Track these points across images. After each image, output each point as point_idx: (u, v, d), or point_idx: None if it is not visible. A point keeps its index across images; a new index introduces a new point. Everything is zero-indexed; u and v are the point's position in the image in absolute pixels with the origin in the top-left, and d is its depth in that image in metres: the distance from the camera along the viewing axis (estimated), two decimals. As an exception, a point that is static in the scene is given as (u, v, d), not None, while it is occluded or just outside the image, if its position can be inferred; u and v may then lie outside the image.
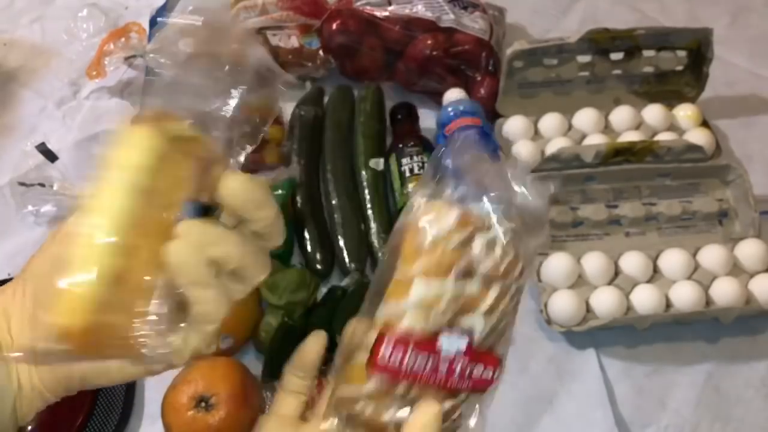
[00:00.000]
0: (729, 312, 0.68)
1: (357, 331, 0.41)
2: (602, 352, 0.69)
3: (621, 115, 0.81)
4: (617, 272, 0.71)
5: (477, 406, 0.40)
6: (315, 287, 0.68)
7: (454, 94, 0.80)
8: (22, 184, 0.74)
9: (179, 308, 0.34)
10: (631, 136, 0.78)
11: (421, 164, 0.74)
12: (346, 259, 0.71)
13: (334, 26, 0.83)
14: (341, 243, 0.72)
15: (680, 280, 0.70)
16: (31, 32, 0.97)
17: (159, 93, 0.39)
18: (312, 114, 0.82)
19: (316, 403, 0.48)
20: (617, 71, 0.82)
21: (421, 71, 0.83)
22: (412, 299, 0.36)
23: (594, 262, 0.70)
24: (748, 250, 0.71)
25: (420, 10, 0.83)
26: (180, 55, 0.42)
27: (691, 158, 0.76)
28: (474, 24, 0.83)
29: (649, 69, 0.82)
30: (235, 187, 0.34)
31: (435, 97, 0.85)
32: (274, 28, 0.86)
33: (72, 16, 0.92)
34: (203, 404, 0.58)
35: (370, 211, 0.75)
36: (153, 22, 0.94)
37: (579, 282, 0.70)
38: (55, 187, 0.74)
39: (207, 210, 0.35)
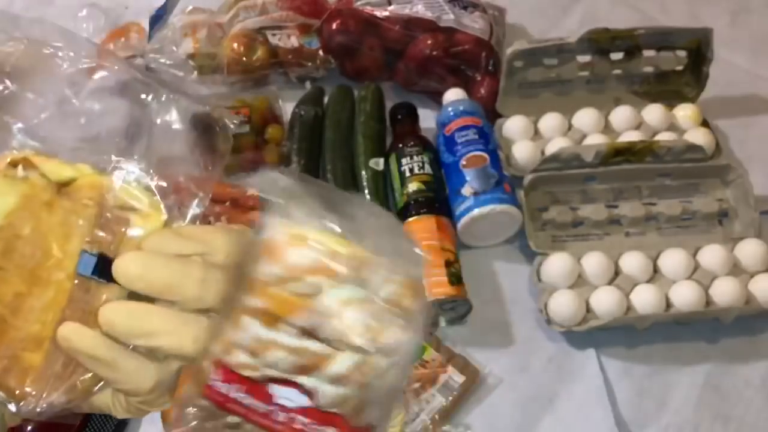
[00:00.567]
0: (729, 312, 0.68)
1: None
2: (602, 352, 0.69)
3: (621, 115, 0.81)
4: (617, 272, 0.71)
5: None
6: (315, 287, 0.68)
7: (454, 94, 0.80)
8: (21, 184, 0.74)
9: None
10: (631, 136, 0.78)
11: (421, 164, 0.74)
12: (346, 259, 0.71)
13: (334, 26, 0.83)
14: (341, 243, 0.72)
15: (680, 280, 0.70)
16: (30, 32, 0.96)
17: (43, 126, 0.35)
18: (312, 114, 0.82)
19: None
20: (617, 71, 0.82)
21: (421, 71, 0.83)
22: (243, 338, 0.29)
23: (594, 262, 0.70)
24: (748, 250, 0.71)
25: (420, 9, 0.83)
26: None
27: (691, 158, 0.76)
28: (474, 24, 0.83)
29: (649, 69, 0.82)
30: (130, 272, 0.28)
31: (435, 97, 0.85)
32: (274, 27, 0.86)
33: (72, 16, 0.92)
34: (203, 404, 0.58)
35: (370, 211, 0.75)
36: (153, 22, 0.94)
37: (579, 282, 0.70)
38: (54, 187, 0.73)
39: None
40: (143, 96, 0.36)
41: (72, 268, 0.30)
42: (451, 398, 0.64)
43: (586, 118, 0.81)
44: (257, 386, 0.29)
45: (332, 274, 0.29)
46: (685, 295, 0.68)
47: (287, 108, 0.84)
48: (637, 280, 0.70)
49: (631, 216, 0.73)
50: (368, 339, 0.29)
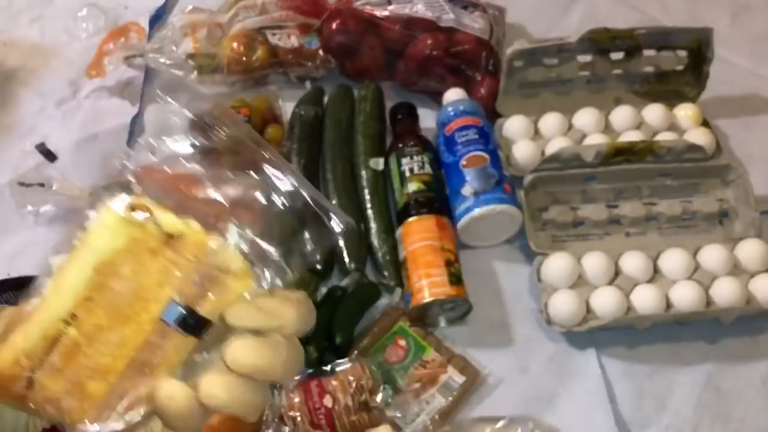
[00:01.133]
0: (729, 312, 0.68)
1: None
2: (602, 352, 0.69)
3: (621, 114, 0.81)
4: (617, 272, 0.71)
5: None
6: (315, 287, 0.68)
7: (454, 94, 0.80)
8: (21, 184, 0.74)
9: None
10: (631, 136, 0.78)
11: (421, 164, 0.74)
12: (346, 259, 0.71)
13: (334, 26, 0.83)
14: (341, 243, 0.72)
15: (680, 280, 0.70)
16: (30, 32, 0.96)
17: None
18: (312, 114, 0.82)
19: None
20: (618, 71, 0.82)
21: (421, 71, 0.83)
22: None
23: (594, 262, 0.70)
24: (748, 250, 0.71)
25: (420, 9, 0.83)
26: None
27: (691, 158, 0.76)
28: (474, 24, 0.83)
29: (649, 69, 0.82)
30: (237, 358, 0.32)
31: (435, 97, 0.85)
32: (274, 27, 0.86)
33: (71, 16, 0.92)
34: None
35: (370, 211, 0.75)
36: (152, 22, 0.94)
37: (579, 282, 0.70)
38: (54, 187, 0.74)
39: (196, 321, 0.32)
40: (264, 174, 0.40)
41: (157, 313, 0.32)
42: (451, 398, 0.63)
43: (586, 117, 0.81)
44: None
45: None
46: (685, 295, 0.68)
47: (287, 108, 0.84)
48: (638, 280, 0.70)
49: (631, 216, 0.73)
50: None
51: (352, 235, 0.73)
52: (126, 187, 0.35)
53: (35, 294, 0.32)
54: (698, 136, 0.78)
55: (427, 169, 0.74)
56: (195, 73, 0.86)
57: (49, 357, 0.31)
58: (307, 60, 0.86)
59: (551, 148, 0.78)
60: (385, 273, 0.71)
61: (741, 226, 0.74)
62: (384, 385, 0.62)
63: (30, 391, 0.32)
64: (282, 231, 0.37)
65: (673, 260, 0.70)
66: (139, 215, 0.32)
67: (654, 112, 0.81)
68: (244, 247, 0.34)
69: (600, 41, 0.79)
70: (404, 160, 0.75)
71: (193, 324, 0.32)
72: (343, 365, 0.62)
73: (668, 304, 0.68)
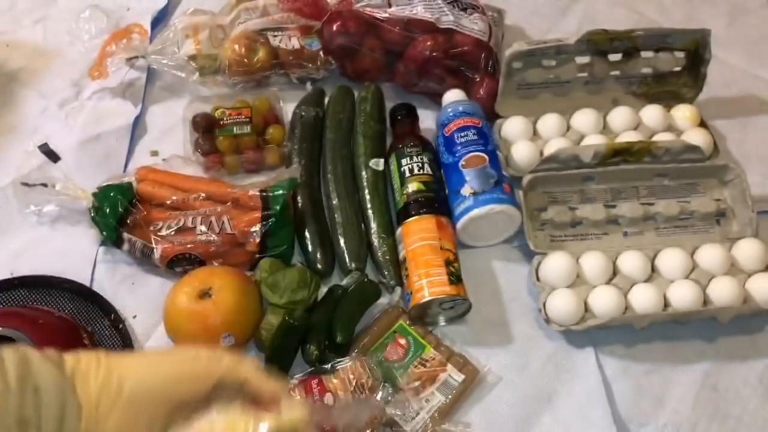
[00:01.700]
0: (726, 311, 0.68)
1: None
2: (601, 351, 0.69)
3: (619, 115, 0.82)
4: (615, 272, 0.71)
5: None
6: (316, 287, 0.68)
7: (453, 95, 0.81)
8: (24, 184, 0.75)
9: None
10: (629, 137, 0.79)
11: (420, 164, 0.75)
12: (347, 259, 0.72)
13: (335, 27, 0.84)
14: (342, 243, 0.73)
15: (678, 279, 0.70)
16: (33, 33, 0.97)
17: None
18: (312, 114, 0.83)
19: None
20: (615, 72, 0.83)
21: (420, 72, 0.84)
22: None
23: (592, 262, 0.71)
24: (745, 249, 0.72)
25: (420, 11, 0.84)
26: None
27: (689, 158, 0.76)
28: (473, 25, 0.84)
29: (647, 70, 0.83)
30: None
31: (435, 98, 0.86)
32: (275, 29, 0.86)
33: (74, 18, 0.93)
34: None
35: (370, 211, 0.75)
36: (154, 24, 0.95)
37: (577, 281, 0.71)
38: (57, 187, 0.74)
39: None
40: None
41: None
42: (450, 397, 0.64)
43: (584, 118, 0.81)
44: None
45: None
46: (682, 295, 0.68)
47: (288, 109, 0.85)
48: (636, 279, 0.70)
49: (629, 216, 0.74)
50: None
51: (352, 234, 0.73)
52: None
53: None
54: (696, 137, 0.78)
55: (427, 169, 0.75)
56: (196, 74, 0.86)
57: None
58: (307, 61, 0.86)
59: (550, 149, 0.78)
60: (385, 272, 0.72)
61: (738, 226, 0.75)
62: (384, 384, 0.63)
63: None
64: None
65: (671, 260, 0.71)
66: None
67: (652, 113, 0.81)
68: None
69: (598, 43, 0.79)
70: (404, 161, 0.76)
71: None
72: (344, 363, 0.63)
73: (666, 304, 0.69)
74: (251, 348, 0.68)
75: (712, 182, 0.77)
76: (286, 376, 0.64)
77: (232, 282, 0.65)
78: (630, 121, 0.81)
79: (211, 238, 0.69)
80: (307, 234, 0.73)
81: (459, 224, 0.72)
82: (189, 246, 0.69)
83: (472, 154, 0.74)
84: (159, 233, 0.70)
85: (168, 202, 0.73)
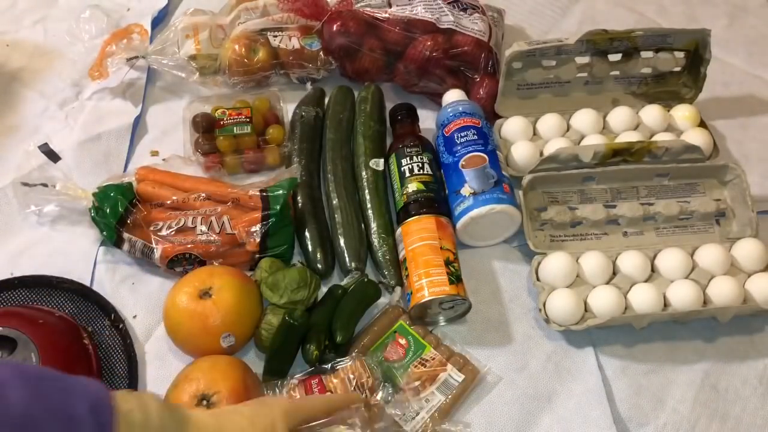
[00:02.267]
0: (726, 311, 0.68)
1: None
2: (600, 350, 0.69)
3: (619, 115, 0.82)
4: (615, 272, 0.71)
5: None
6: (316, 286, 0.68)
7: (453, 95, 0.81)
8: (25, 184, 0.75)
9: None
10: (629, 137, 0.79)
11: (420, 164, 0.75)
12: (347, 259, 0.72)
13: (335, 28, 0.84)
14: (341, 243, 0.73)
15: (678, 279, 0.70)
16: (33, 33, 0.97)
17: None
18: (312, 114, 0.83)
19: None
20: (615, 72, 0.83)
21: (420, 72, 0.84)
22: None
23: (592, 262, 0.71)
24: (745, 249, 0.72)
25: (420, 11, 0.84)
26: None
27: (688, 158, 0.76)
28: (473, 25, 0.84)
29: (647, 70, 0.83)
30: None
31: (435, 98, 0.86)
32: (275, 29, 0.86)
33: (74, 18, 0.93)
34: (205, 402, 0.59)
35: (370, 211, 0.75)
36: (155, 24, 0.95)
37: (577, 281, 0.71)
38: (57, 187, 0.74)
39: None
40: None
41: None
42: (450, 396, 0.64)
43: (584, 118, 0.81)
44: None
45: None
46: (682, 295, 0.68)
47: (288, 109, 0.85)
48: (635, 279, 0.70)
49: (629, 216, 0.74)
50: None
51: (352, 234, 0.73)
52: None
53: None
54: (695, 137, 0.79)
55: (427, 169, 0.75)
56: (197, 74, 0.86)
57: None
58: (307, 61, 0.86)
59: (549, 149, 0.78)
60: (385, 272, 0.72)
61: (738, 226, 0.75)
62: (384, 384, 0.63)
63: None
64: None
65: (671, 260, 0.71)
66: None
67: (651, 113, 0.82)
68: None
69: (598, 43, 0.79)
70: (404, 161, 0.76)
71: None
72: (344, 363, 0.63)
73: (666, 303, 0.69)
74: (251, 347, 0.69)
75: (712, 182, 0.77)
76: (286, 376, 0.64)
77: (232, 282, 0.65)
78: (630, 121, 0.81)
79: (211, 238, 0.69)
80: (307, 234, 0.73)
81: (459, 224, 0.72)
82: (189, 246, 0.69)
83: (472, 154, 0.74)
84: (159, 233, 0.70)
85: (168, 202, 0.73)
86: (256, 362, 0.67)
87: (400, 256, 0.71)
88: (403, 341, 0.67)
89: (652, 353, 0.69)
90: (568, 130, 0.82)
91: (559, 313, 0.68)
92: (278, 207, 0.70)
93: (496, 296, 0.73)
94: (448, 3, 0.85)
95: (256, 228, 0.70)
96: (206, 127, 0.80)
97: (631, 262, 0.71)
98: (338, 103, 0.84)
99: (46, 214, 0.76)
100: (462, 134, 0.76)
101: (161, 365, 0.68)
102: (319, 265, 0.72)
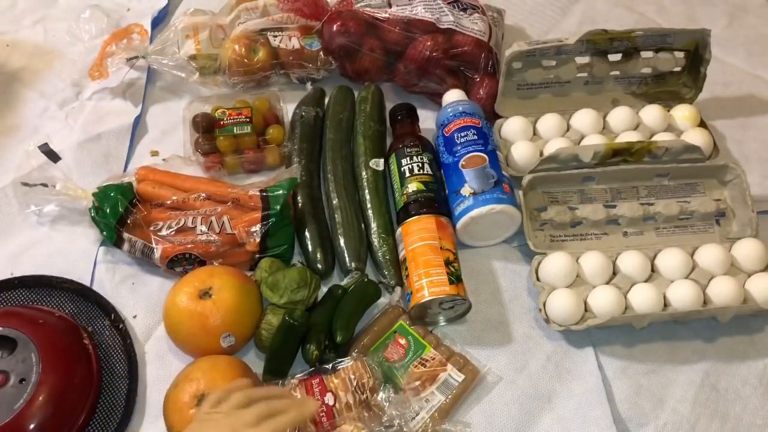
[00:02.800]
0: (726, 311, 0.68)
1: None
2: (600, 350, 0.69)
3: (619, 115, 0.82)
4: (615, 272, 0.71)
5: None
6: (316, 286, 0.68)
7: (453, 95, 0.81)
8: (25, 184, 0.75)
9: None
10: (629, 137, 0.79)
11: (420, 164, 0.75)
12: (347, 259, 0.72)
13: (335, 28, 0.84)
14: (341, 243, 0.73)
15: (678, 279, 0.70)
16: (33, 33, 0.97)
17: None
18: (312, 115, 0.83)
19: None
20: (615, 72, 0.83)
21: (420, 72, 0.84)
22: None
23: (592, 262, 0.71)
24: (745, 249, 0.72)
25: (420, 11, 0.84)
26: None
27: (688, 158, 0.76)
28: (473, 25, 0.84)
29: (647, 70, 0.83)
30: None
31: (435, 98, 0.86)
32: (275, 29, 0.86)
33: (74, 18, 0.93)
34: (205, 402, 0.59)
35: (370, 211, 0.75)
36: (155, 24, 0.95)
37: (577, 281, 0.71)
38: (57, 187, 0.74)
39: None
40: None
41: None
42: (450, 396, 0.64)
43: (584, 118, 0.81)
44: None
45: None
46: (682, 295, 0.68)
47: (288, 109, 0.85)
48: (635, 279, 0.70)
49: (629, 216, 0.74)
50: None
51: (352, 234, 0.73)
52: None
53: None
54: (695, 137, 0.79)
55: (427, 169, 0.75)
56: (197, 74, 0.86)
57: None
58: (307, 61, 0.86)
59: (549, 149, 0.78)
60: (385, 272, 0.72)
61: (738, 226, 0.75)
62: (384, 384, 0.63)
63: None
64: None
65: (671, 260, 0.71)
66: None
67: (651, 113, 0.82)
68: None
69: (598, 43, 0.79)
70: (404, 161, 0.76)
71: None
72: (344, 363, 0.63)
73: (666, 303, 0.69)
74: (251, 347, 0.69)
75: (712, 182, 0.77)
76: (286, 376, 0.64)
77: (232, 282, 0.65)
78: (630, 121, 0.81)
79: (211, 238, 0.69)
80: (307, 234, 0.73)
81: (459, 224, 0.72)
82: (189, 246, 0.69)
83: (472, 154, 0.74)
84: (159, 233, 0.70)
85: (168, 202, 0.73)
86: (256, 362, 0.67)
87: (400, 256, 0.71)
88: (403, 341, 0.67)
89: (652, 353, 0.69)
90: (568, 130, 0.82)
91: (559, 313, 0.68)
92: (278, 207, 0.70)
93: (496, 296, 0.73)
94: (448, 3, 0.85)
95: (256, 228, 0.70)
96: (206, 127, 0.80)
97: (631, 262, 0.71)
98: (338, 103, 0.84)
99: (46, 214, 0.77)
100: (462, 134, 0.76)
101: (161, 365, 0.68)
102: (319, 265, 0.72)
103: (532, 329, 0.71)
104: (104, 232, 0.72)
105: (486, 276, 0.74)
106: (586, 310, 0.69)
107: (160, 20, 0.97)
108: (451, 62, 0.83)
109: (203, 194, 0.73)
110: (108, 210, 0.71)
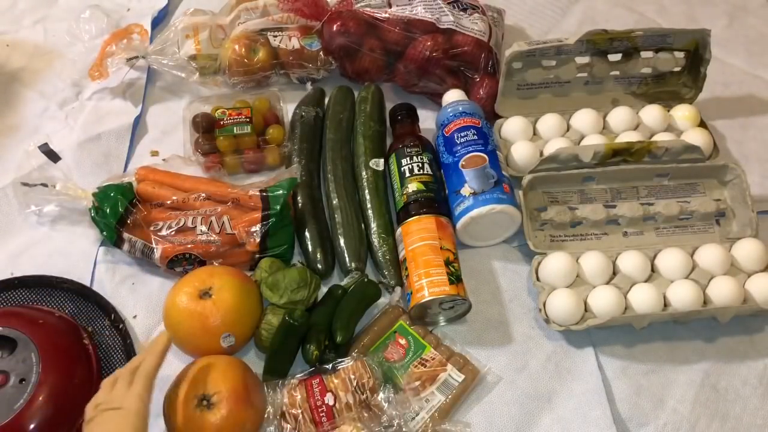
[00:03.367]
0: (726, 311, 0.68)
1: None
2: (600, 350, 0.69)
3: (619, 115, 0.82)
4: (615, 272, 0.71)
5: None
6: (316, 286, 0.68)
7: (453, 95, 0.81)
8: (25, 184, 0.75)
9: None
10: (629, 137, 0.79)
11: (420, 164, 0.75)
12: (347, 259, 0.72)
13: (335, 28, 0.84)
14: (341, 243, 0.73)
15: (678, 279, 0.70)
16: (33, 33, 0.97)
17: None
18: (312, 115, 0.83)
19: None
20: (615, 72, 0.83)
21: (420, 72, 0.84)
22: None
23: (592, 262, 0.71)
24: (745, 249, 0.72)
25: (420, 11, 0.84)
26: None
27: (688, 158, 0.76)
28: (473, 25, 0.84)
29: (647, 70, 0.83)
30: None
31: (435, 98, 0.86)
32: (275, 29, 0.86)
33: (74, 18, 0.93)
34: (205, 402, 0.59)
35: (370, 211, 0.75)
36: (155, 24, 0.95)
37: (577, 281, 0.71)
38: (57, 187, 0.74)
39: None
40: None
41: None
42: (450, 396, 0.64)
43: (584, 118, 0.81)
44: None
45: None
46: (682, 295, 0.68)
47: (288, 109, 0.85)
48: (635, 279, 0.70)
49: (629, 216, 0.74)
50: None
51: (352, 234, 0.73)
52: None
53: None
54: (695, 137, 0.79)
55: (427, 169, 0.75)
56: (197, 74, 0.86)
57: None
58: (307, 61, 0.86)
59: (549, 149, 0.78)
60: (385, 272, 0.72)
61: (738, 226, 0.75)
62: (385, 384, 0.63)
63: None
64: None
65: (671, 260, 0.71)
66: None
67: (651, 113, 0.82)
68: None
69: (598, 43, 0.79)
70: (404, 161, 0.76)
71: None
72: (345, 363, 0.63)
73: (666, 304, 0.69)
74: (251, 347, 0.69)
75: (712, 182, 0.77)
76: (286, 376, 0.64)
77: (232, 282, 0.65)
78: (630, 121, 0.81)
79: (211, 238, 0.69)
80: (307, 234, 0.73)
81: (459, 224, 0.72)
82: (189, 246, 0.69)
83: (472, 154, 0.74)
84: (159, 233, 0.70)
85: (168, 202, 0.73)
86: (256, 362, 0.67)
87: (400, 256, 0.71)
88: (403, 341, 0.67)
89: (652, 353, 0.69)
90: (568, 130, 0.82)
91: (559, 313, 0.68)
92: (278, 207, 0.70)
93: (496, 296, 0.73)
94: (448, 3, 0.85)
95: (256, 228, 0.70)
96: (206, 127, 0.80)
97: (631, 262, 0.71)
98: (338, 103, 0.84)
99: (46, 214, 0.77)
100: (462, 134, 0.76)
101: (161, 365, 0.67)
102: (319, 265, 0.72)
103: (532, 329, 0.71)
104: (104, 232, 0.72)
105: (486, 276, 0.74)
106: (586, 310, 0.69)
107: (160, 20, 0.97)
108: (451, 62, 0.83)
109: (203, 194, 0.73)
110: (108, 210, 0.71)
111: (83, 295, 0.71)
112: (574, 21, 0.99)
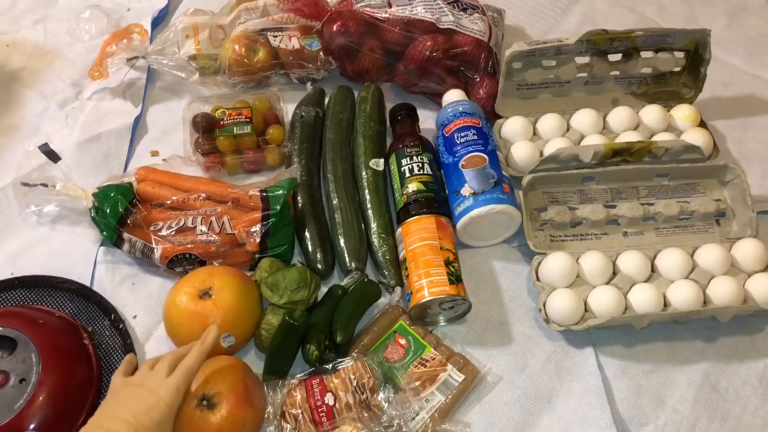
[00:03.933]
0: (726, 311, 0.68)
1: None
2: (600, 351, 0.69)
3: (619, 115, 0.82)
4: (615, 272, 0.71)
5: None
6: (316, 286, 0.68)
7: (453, 95, 0.81)
8: (25, 184, 0.75)
9: None
10: (629, 137, 0.79)
11: (420, 164, 0.75)
12: (347, 259, 0.72)
13: (335, 28, 0.84)
14: (341, 243, 0.73)
15: (678, 279, 0.70)
16: (33, 33, 0.97)
17: None
18: (312, 115, 0.83)
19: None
20: (615, 72, 0.83)
21: (420, 72, 0.84)
22: None
23: (592, 262, 0.71)
24: (745, 249, 0.72)
25: (420, 11, 0.84)
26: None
27: (688, 158, 0.76)
28: (473, 25, 0.84)
29: (647, 70, 0.83)
30: None
31: (435, 98, 0.86)
32: (275, 29, 0.86)
33: (74, 18, 0.93)
34: (205, 402, 0.59)
35: (370, 211, 0.75)
36: (155, 24, 0.95)
37: (577, 281, 0.71)
38: (57, 187, 0.74)
39: None
40: None
41: None
42: (450, 396, 0.64)
43: (584, 118, 0.81)
44: None
45: None
46: (682, 295, 0.68)
47: (288, 109, 0.85)
48: (635, 279, 0.70)
49: (629, 216, 0.74)
50: None
51: (352, 234, 0.73)
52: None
53: None
54: (695, 137, 0.79)
55: (427, 169, 0.75)
56: (197, 74, 0.86)
57: None
58: (307, 61, 0.86)
59: (550, 149, 0.78)
60: (385, 272, 0.72)
61: (738, 226, 0.75)
62: (384, 384, 0.63)
63: None
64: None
65: (671, 260, 0.71)
66: None
67: (651, 113, 0.82)
68: None
69: (598, 43, 0.79)
70: (404, 161, 0.76)
71: None
72: (345, 363, 0.63)
73: (666, 304, 0.69)
74: (251, 348, 0.69)
75: (712, 182, 0.77)
76: (286, 376, 0.64)
77: (232, 282, 0.65)
78: (630, 121, 0.81)
79: (211, 238, 0.69)
80: (307, 234, 0.73)
81: (459, 224, 0.72)
82: (189, 246, 0.69)
83: (472, 154, 0.74)
84: (159, 233, 0.70)
85: (168, 202, 0.73)
86: (256, 362, 0.67)
87: (400, 256, 0.71)
88: (403, 341, 0.67)
89: (652, 353, 0.69)
90: (568, 130, 0.82)
91: (559, 313, 0.68)
92: (278, 207, 0.70)
93: (496, 296, 0.73)
94: (448, 3, 0.85)
95: (256, 228, 0.70)
96: (206, 127, 0.80)
97: (631, 262, 0.71)
98: (338, 103, 0.84)
99: (46, 214, 0.76)
100: (462, 134, 0.76)
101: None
102: (319, 265, 0.72)
103: (532, 329, 0.71)
104: (104, 232, 0.72)
105: (486, 276, 0.74)
106: (586, 310, 0.69)
107: (160, 20, 0.97)
108: (451, 62, 0.83)
109: (203, 194, 0.73)
110: (108, 210, 0.71)
111: (83, 295, 0.71)
112: (574, 21, 0.99)
